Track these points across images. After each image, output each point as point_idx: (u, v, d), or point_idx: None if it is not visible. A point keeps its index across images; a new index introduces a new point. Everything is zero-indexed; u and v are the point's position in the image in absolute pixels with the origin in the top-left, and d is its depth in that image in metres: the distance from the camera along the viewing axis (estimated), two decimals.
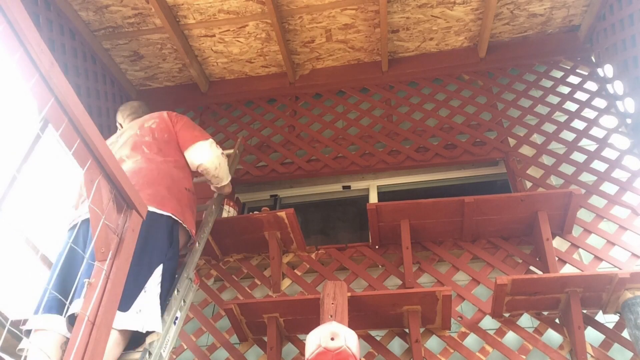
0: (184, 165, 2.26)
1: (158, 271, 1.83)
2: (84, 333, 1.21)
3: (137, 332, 1.70)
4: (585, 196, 2.70)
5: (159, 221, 1.93)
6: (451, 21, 3.36)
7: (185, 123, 2.36)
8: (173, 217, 1.98)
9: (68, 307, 1.65)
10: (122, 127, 2.54)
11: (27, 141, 2.68)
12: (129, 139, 2.24)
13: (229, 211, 2.82)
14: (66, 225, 2.05)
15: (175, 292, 1.99)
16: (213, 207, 2.61)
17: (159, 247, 1.89)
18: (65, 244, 1.91)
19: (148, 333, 1.73)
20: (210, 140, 2.35)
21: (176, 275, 2.03)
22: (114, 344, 1.64)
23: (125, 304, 1.66)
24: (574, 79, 3.30)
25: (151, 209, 1.86)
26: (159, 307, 1.79)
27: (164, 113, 2.38)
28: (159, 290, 1.82)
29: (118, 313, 1.59)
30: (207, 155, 2.30)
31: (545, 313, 2.31)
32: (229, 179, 2.52)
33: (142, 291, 1.75)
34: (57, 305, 1.73)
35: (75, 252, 1.81)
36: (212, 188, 2.55)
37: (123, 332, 1.68)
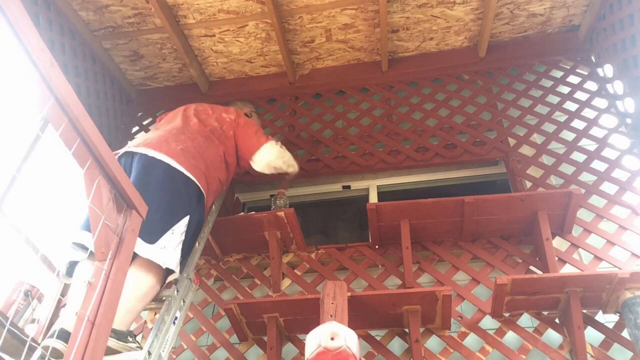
0: (230, 164, 2.53)
1: (185, 220, 2.05)
2: (84, 333, 1.21)
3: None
4: (585, 196, 2.70)
5: (192, 185, 2.18)
6: (451, 21, 3.36)
7: (245, 129, 2.62)
8: (202, 190, 2.22)
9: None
10: None
11: (27, 141, 2.67)
12: (201, 114, 2.55)
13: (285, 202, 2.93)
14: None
15: (175, 291, 2.00)
16: (213, 207, 2.61)
17: (188, 199, 2.14)
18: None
19: (168, 274, 1.99)
20: (267, 142, 2.64)
21: (196, 244, 2.28)
22: (142, 276, 1.88)
23: (152, 237, 1.91)
24: (573, 79, 3.30)
25: (189, 175, 2.17)
26: (180, 252, 2.01)
27: (238, 116, 2.65)
28: (184, 237, 2.03)
29: (144, 243, 1.88)
30: (270, 158, 2.63)
31: (545, 313, 2.31)
32: (295, 165, 2.82)
33: (170, 231, 1.97)
34: None
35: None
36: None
37: (149, 265, 1.89)
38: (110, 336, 1.73)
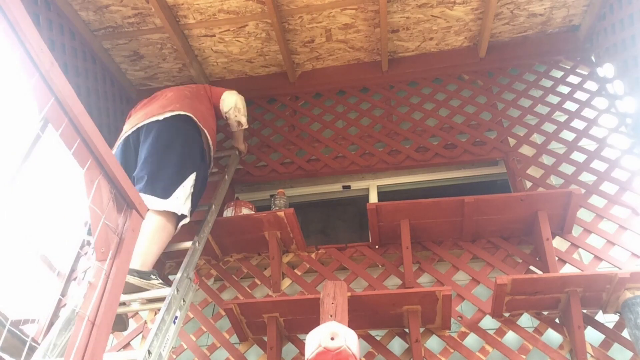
0: (212, 116, 2.83)
1: (193, 176, 2.38)
2: (84, 333, 1.21)
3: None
4: (585, 196, 2.70)
5: (197, 130, 2.58)
6: (451, 21, 3.36)
7: (212, 87, 3.01)
8: (207, 134, 2.64)
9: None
10: None
11: (27, 141, 2.68)
12: (170, 92, 2.79)
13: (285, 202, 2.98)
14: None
15: (175, 291, 2.00)
16: (213, 207, 2.61)
17: (195, 155, 2.48)
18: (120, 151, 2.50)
19: (181, 219, 2.31)
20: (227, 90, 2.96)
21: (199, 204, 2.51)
22: (160, 226, 2.19)
23: (166, 192, 2.25)
24: (573, 79, 3.30)
25: (191, 115, 2.56)
26: (191, 202, 2.34)
27: (200, 84, 3.10)
28: (192, 190, 2.36)
29: (158, 199, 2.22)
30: (234, 100, 2.92)
31: (545, 313, 2.31)
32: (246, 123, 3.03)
33: (181, 186, 2.31)
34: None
35: (129, 159, 2.44)
36: (234, 131, 3.08)
37: (166, 214, 2.22)
38: (133, 275, 1.97)
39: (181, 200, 2.28)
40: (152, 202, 2.21)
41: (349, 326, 1.90)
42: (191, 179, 2.36)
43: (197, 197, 2.42)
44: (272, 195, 3.05)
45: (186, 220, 2.32)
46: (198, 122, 2.59)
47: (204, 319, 2.63)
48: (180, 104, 2.58)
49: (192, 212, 2.36)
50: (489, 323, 2.32)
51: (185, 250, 2.30)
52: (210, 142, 2.68)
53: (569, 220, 2.54)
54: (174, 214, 2.27)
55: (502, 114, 3.23)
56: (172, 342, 1.86)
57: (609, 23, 3.13)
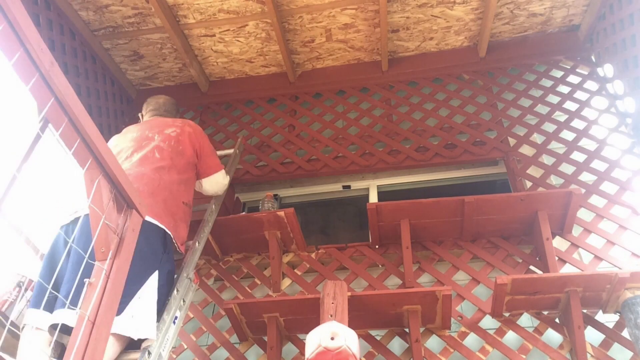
0: (189, 180, 2.21)
1: (154, 277, 1.80)
2: (84, 333, 1.21)
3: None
4: (585, 196, 2.70)
5: (152, 229, 1.88)
6: (451, 21, 3.36)
7: (207, 146, 2.38)
8: (166, 230, 1.94)
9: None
10: (142, 118, 2.62)
11: (27, 141, 2.68)
12: (145, 137, 2.22)
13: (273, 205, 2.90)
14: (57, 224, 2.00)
15: (175, 291, 1.99)
16: (213, 206, 2.61)
17: (152, 253, 1.85)
18: (55, 243, 1.89)
19: (142, 339, 1.71)
20: (224, 169, 2.48)
21: (175, 276, 2.02)
22: (108, 345, 1.55)
23: (118, 308, 1.53)
24: (574, 79, 3.30)
25: (147, 218, 1.78)
26: (155, 314, 1.76)
27: (187, 126, 2.33)
28: (156, 296, 1.79)
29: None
30: (220, 187, 2.48)
31: (545, 313, 2.31)
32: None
33: (136, 297, 1.70)
34: (47, 302, 1.71)
35: (59, 255, 1.80)
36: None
37: (118, 335, 1.63)
38: None
39: (138, 318, 1.67)
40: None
41: (349, 326, 1.90)
42: (152, 281, 1.79)
43: (163, 298, 1.87)
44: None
45: (149, 343, 1.73)
46: (167, 231, 1.95)
47: (204, 318, 2.63)
48: (148, 201, 1.90)
49: (159, 317, 1.81)
50: (489, 323, 2.32)
51: (185, 250, 2.29)
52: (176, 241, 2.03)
53: (569, 220, 2.54)
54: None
55: (502, 113, 3.23)
56: (172, 342, 1.86)
57: (609, 23, 3.13)
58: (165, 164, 2.10)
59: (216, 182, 2.44)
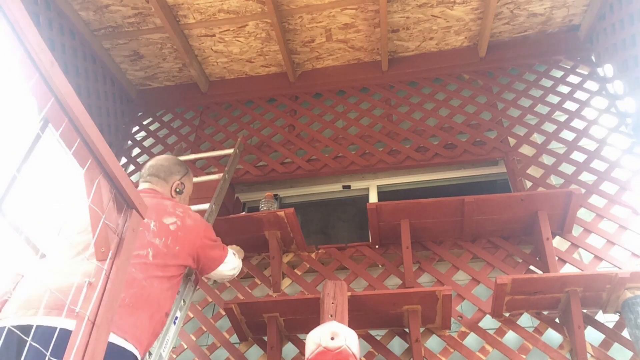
0: (176, 285, 1.84)
1: None
2: (84, 333, 1.21)
3: None
4: (585, 196, 2.70)
5: (124, 355, 1.52)
6: (451, 21, 3.36)
7: (209, 241, 1.96)
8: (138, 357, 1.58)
9: None
10: (140, 181, 2.12)
11: (27, 141, 2.68)
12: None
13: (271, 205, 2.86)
14: None
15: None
16: (213, 207, 2.61)
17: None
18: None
19: None
20: (230, 253, 2.08)
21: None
22: None
23: None
24: (574, 79, 3.30)
25: (121, 342, 1.49)
26: None
27: (189, 218, 1.89)
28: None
29: None
30: (227, 276, 2.10)
31: (545, 312, 2.31)
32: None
33: None
34: None
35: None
36: None
37: None
38: None
39: None
40: None
41: (349, 326, 1.91)
42: None
43: None
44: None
45: None
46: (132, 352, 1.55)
47: (204, 318, 2.63)
48: (130, 320, 1.56)
49: None
50: (489, 323, 2.32)
51: None
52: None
53: (569, 220, 2.54)
54: None
55: (502, 113, 3.23)
56: (172, 342, 1.86)
57: (609, 23, 3.13)
58: (159, 270, 1.74)
59: (221, 276, 2.09)
